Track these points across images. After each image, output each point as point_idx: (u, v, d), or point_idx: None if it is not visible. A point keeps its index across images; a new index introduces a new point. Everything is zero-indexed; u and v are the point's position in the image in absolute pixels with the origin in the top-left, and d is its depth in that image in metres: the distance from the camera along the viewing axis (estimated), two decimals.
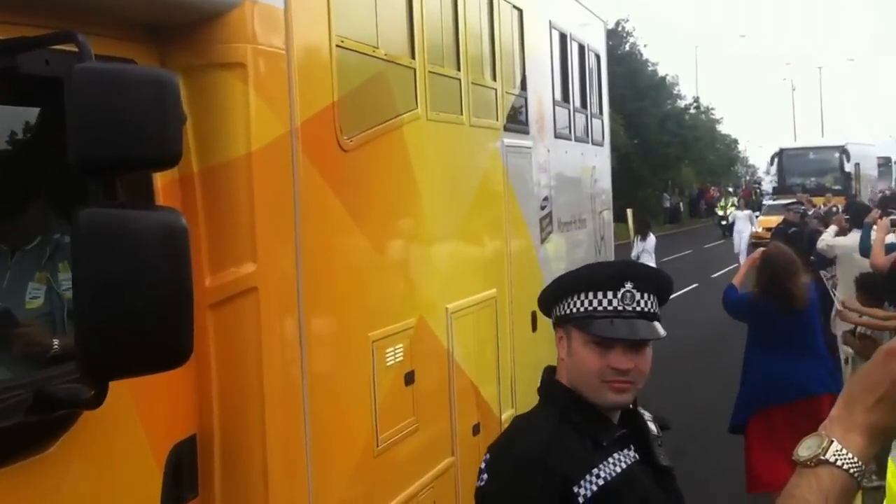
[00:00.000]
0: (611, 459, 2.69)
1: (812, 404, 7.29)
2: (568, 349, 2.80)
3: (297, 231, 3.69)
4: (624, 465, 2.70)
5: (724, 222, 38.90)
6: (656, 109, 52.93)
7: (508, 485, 2.70)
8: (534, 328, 6.50)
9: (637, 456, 2.77)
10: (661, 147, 52.13)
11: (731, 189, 56.90)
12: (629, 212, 22.42)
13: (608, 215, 10.23)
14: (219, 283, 3.44)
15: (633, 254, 19.57)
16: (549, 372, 2.92)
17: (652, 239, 20.17)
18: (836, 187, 39.34)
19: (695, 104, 62.84)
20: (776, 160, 45.61)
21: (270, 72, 3.56)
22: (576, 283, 2.81)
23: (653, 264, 18.92)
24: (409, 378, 4.72)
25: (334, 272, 4.05)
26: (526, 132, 6.92)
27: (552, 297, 2.86)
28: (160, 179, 3.22)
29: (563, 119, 8.16)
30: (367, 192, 4.36)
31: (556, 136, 7.82)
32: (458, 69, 5.55)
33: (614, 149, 44.69)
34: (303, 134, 3.71)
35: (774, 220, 27.93)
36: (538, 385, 2.99)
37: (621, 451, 2.74)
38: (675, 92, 59.90)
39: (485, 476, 2.79)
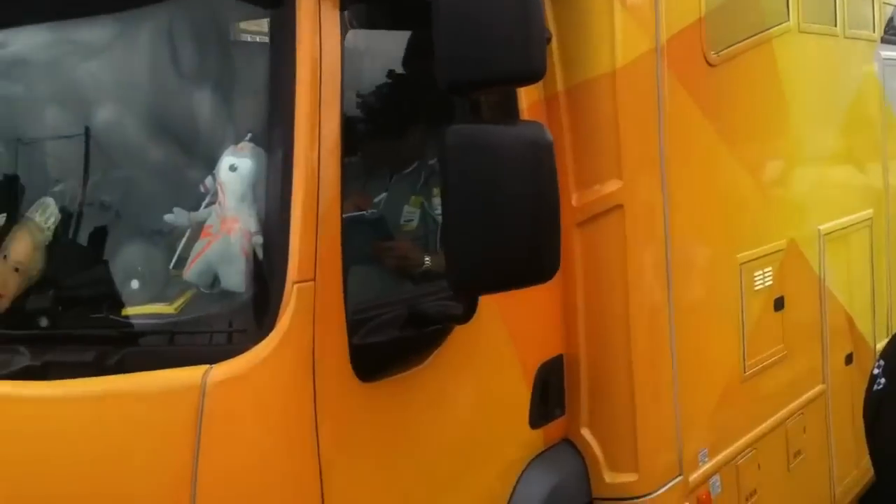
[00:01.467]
0: None
1: None
2: None
3: (662, 148, 3.51)
4: None
5: None
6: None
7: None
8: None
9: None
10: None
11: None
12: None
13: None
14: (584, 202, 3.35)
15: None
16: None
17: None
18: None
19: None
20: None
21: None
22: None
23: None
24: (779, 304, 4.44)
25: (701, 191, 3.84)
26: None
27: None
28: (525, 100, 3.15)
29: None
30: (734, 109, 4.09)
31: None
32: None
33: None
34: (668, 50, 3.51)
35: None
36: None
37: None
38: None
39: (882, 381, 2.72)
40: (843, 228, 5.16)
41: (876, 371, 2.76)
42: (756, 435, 4.24)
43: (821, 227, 4.89)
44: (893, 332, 2.94)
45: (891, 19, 5.93)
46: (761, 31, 4.27)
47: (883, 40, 5.80)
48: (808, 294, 4.82)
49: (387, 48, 2.99)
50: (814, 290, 4.89)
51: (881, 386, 2.70)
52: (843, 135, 5.30)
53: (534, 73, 2.50)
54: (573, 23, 3.26)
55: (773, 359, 4.39)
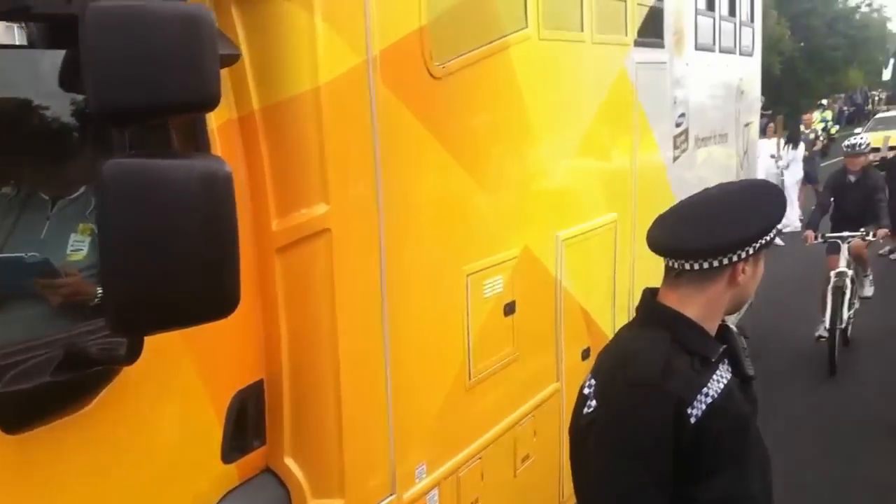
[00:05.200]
0: (714, 377, 2.58)
1: None
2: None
3: (378, 167, 3.30)
4: (724, 381, 2.60)
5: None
6: (825, 9, 49.26)
7: (625, 411, 2.53)
8: None
9: (730, 368, 2.68)
10: (829, 50, 48.47)
11: (823, 102, 42.73)
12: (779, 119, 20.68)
13: (754, 128, 9.48)
14: (287, 226, 3.08)
15: (783, 163, 18.30)
16: (651, 294, 2.75)
17: (802, 147, 18.72)
18: None
19: (866, 2, 58.31)
20: (892, 63, 36.30)
21: None
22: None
23: (800, 174, 17.78)
24: (510, 309, 4.33)
25: (423, 207, 3.65)
26: (661, 46, 6.27)
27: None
28: (215, 120, 2.87)
29: (706, 30, 7.43)
30: (466, 121, 3.91)
31: (698, 48, 7.11)
32: None
33: (780, 53, 41.23)
34: (382, 63, 3.28)
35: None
36: (637, 305, 2.83)
37: (721, 367, 2.64)
38: None
39: (593, 403, 2.61)
40: (584, 233, 5.12)
41: (587, 391, 2.66)
42: (482, 444, 4.13)
43: (559, 234, 4.81)
44: (602, 348, 2.81)
45: (643, 24, 5.89)
46: (496, 40, 4.07)
47: (636, 43, 5.75)
48: (542, 296, 4.74)
49: (42, 65, 2.68)
50: (549, 293, 4.81)
51: (591, 409, 2.60)
52: (592, 141, 5.23)
53: (206, 101, 2.25)
54: (267, 38, 2.96)
55: (501, 363, 4.29)
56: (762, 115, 27.86)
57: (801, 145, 18.61)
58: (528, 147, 4.51)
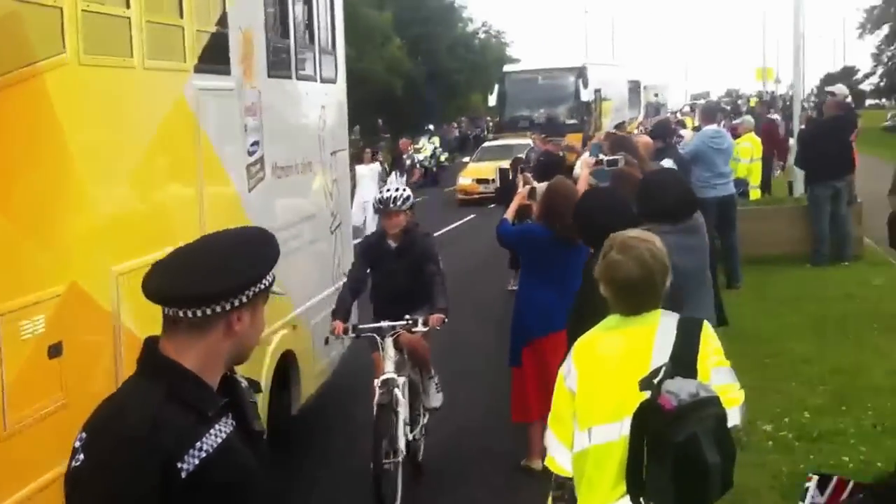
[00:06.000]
0: (213, 431, 2.65)
1: None
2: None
3: None
4: (224, 435, 2.68)
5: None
6: (445, 33, 52.01)
7: (107, 465, 2.55)
8: None
9: (234, 423, 2.76)
10: (451, 74, 51.32)
11: (430, 127, 41.36)
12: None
13: (343, 156, 9.94)
14: None
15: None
16: (152, 344, 2.74)
17: None
18: (572, 121, 32.45)
19: (484, 28, 62.26)
20: (497, 88, 36.57)
21: None
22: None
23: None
24: (55, 350, 4.36)
25: None
26: (227, 73, 6.50)
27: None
28: None
29: (280, 57, 7.76)
30: None
31: (271, 75, 7.42)
32: (128, 7, 5.09)
33: (401, 76, 42.86)
34: None
35: (485, 170, 23.29)
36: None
37: (221, 420, 2.71)
38: (464, 16, 59.07)
39: (80, 457, 2.61)
40: (144, 267, 5.17)
41: (77, 444, 2.66)
42: (25, 495, 4.13)
43: (115, 268, 4.91)
44: (102, 403, 2.82)
45: (205, 51, 6.09)
46: (26, 66, 4.12)
47: (197, 70, 5.93)
48: (96, 336, 4.80)
49: None
50: (106, 331, 4.87)
51: (78, 462, 2.61)
52: (146, 171, 5.38)
53: None
54: None
55: (46, 409, 4.31)
56: (382, 138, 28.76)
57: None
58: (70, 179, 4.58)
